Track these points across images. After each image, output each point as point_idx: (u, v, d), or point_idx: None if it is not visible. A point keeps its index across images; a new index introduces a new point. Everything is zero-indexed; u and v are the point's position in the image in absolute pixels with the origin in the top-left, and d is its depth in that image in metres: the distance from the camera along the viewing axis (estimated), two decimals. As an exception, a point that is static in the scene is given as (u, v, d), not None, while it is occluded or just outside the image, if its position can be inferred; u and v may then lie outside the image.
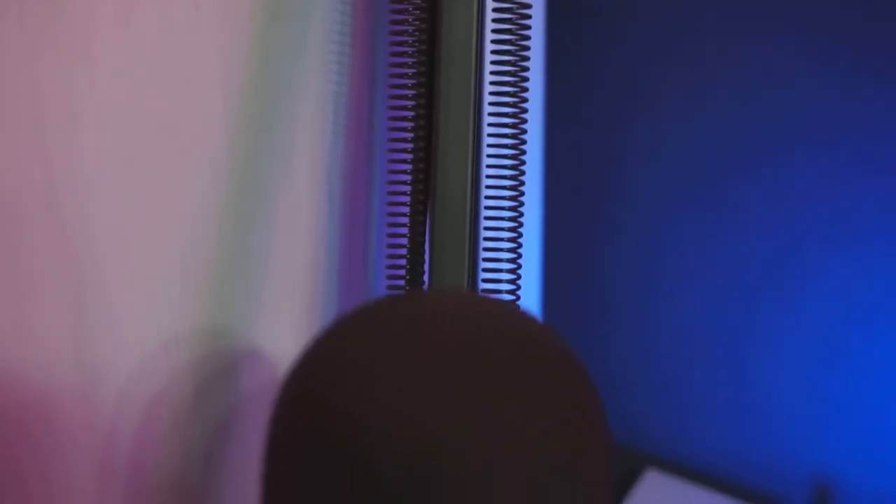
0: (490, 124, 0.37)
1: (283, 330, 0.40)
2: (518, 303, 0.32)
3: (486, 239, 0.35)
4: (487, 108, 0.38)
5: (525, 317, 0.28)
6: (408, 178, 0.37)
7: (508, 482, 0.25)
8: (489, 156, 0.38)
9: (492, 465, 0.25)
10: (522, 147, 0.37)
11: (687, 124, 0.55)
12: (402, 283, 0.35)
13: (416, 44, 0.37)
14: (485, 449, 0.25)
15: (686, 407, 0.62)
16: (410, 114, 0.38)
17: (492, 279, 0.35)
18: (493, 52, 0.37)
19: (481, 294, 0.29)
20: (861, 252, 0.53)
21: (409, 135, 0.38)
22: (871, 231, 0.52)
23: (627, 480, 0.62)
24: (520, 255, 0.36)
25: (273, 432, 0.28)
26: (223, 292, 0.38)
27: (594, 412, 0.28)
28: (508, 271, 0.36)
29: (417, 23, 0.37)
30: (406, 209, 0.35)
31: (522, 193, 0.37)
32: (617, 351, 0.62)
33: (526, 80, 0.38)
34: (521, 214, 0.36)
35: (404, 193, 0.37)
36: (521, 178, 0.37)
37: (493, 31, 0.37)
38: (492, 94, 0.38)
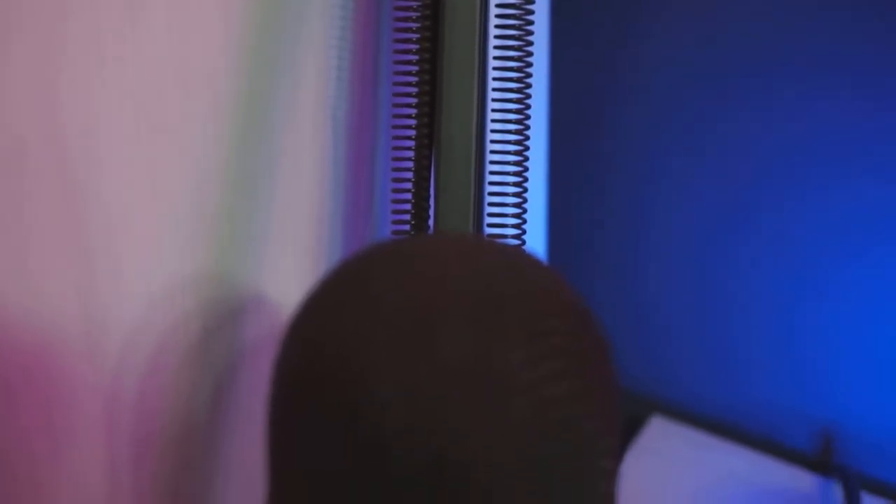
0: (495, 68, 0.37)
1: (288, 275, 0.40)
2: (524, 247, 0.32)
3: (491, 183, 0.35)
4: (492, 52, 0.38)
5: (531, 261, 0.28)
6: (413, 121, 0.37)
7: (514, 426, 0.25)
8: (494, 99, 0.38)
9: (497, 409, 0.25)
10: (527, 90, 0.37)
11: (691, 68, 0.55)
12: (407, 227, 0.35)
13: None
14: (491, 392, 0.25)
15: (691, 354, 0.62)
16: (415, 57, 0.38)
17: (497, 223, 0.35)
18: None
19: (486, 238, 0.29)
20: (867, 187, 0.53)
21: (414, 78, 0.38)
22: (875, 162, 0.52)
23: (632, 427, 0.62)
24: (525, 199, 0.36)
25: (276, 379, 0.28)
26: (227, 239, 0.38)
27: (601, 355, 0.28)
28: (514, 215, 0.36)
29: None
30: (411, 152, 0.35)
31: (527, 137, 0.37)
32: (623, 297, 0.62)
33: (531, 23, 0.37)
34: (527, 158, 0.36)
35: (409, 137, 0.37)
36: (526, 121, 0.37)
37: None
38: (497, 36, 0.37)
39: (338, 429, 0.25)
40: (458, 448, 0.25)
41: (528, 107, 0.37)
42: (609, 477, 0.28)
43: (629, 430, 0.62)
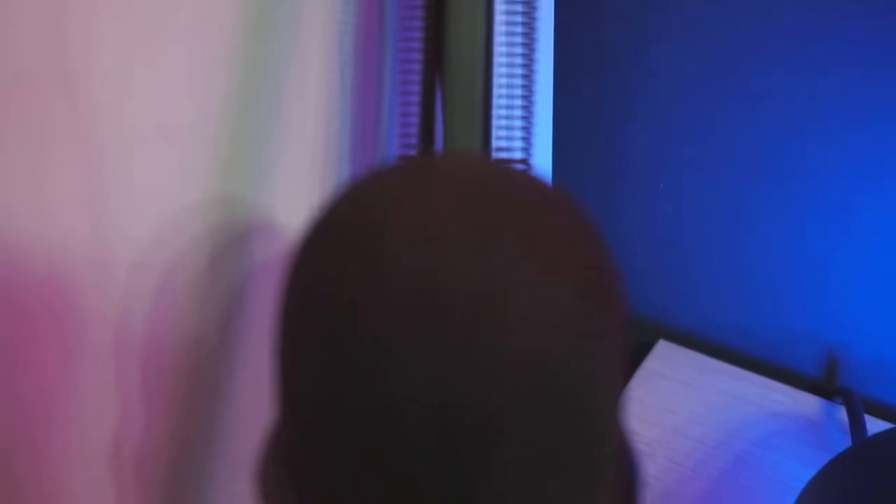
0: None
1: (296, 197, 0.40)
2: (531, 166, 0.32)
3: (498, 102, 0.35)
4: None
5: (540, 183, 0.28)
6: (420, 38, 0.37)
7: (521, 350, 0.25)
8: (501, 14, 0.37)
9: (504, 335, 0.25)
10: (535, 7, 0.37)
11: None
12: (413, 147, 0.35)
13: None
14: (497, 306, 0.25)
15: (698, 278, 0.62)
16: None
17: (504, 142, 0.35)
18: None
19: (494, 158, 0.29)
20: (875, 120, 0.53)
21: (421, -2, 0.37)
22: (883, 99, 0.52)
23: (639, 352, 0.62)
24: (532, 119, 0.36)
25: (282, 303, 0.28)
26: (235, 161, 0.38)
27: (608, 274, 0.28)
28: (521, 138, 0.36)
29: None
30: (418, 72, 0.35)
31: (535, 52, 0.37)
32: (629, 219, 0.62)
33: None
34: (534, 74, 0.35)
35: (416, 56, 0.37)
36: (534, 37, 0.36)
37: None
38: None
39: (340, 355, 0.25)
40: (464, 375, 0.25)
41: (535, 20, 0.37)
42: (618, 399, 0.28)
43: (636, 354, 0.62)
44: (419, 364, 0.25)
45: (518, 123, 0.36)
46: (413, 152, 0.36)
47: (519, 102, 0.35)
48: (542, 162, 0.57)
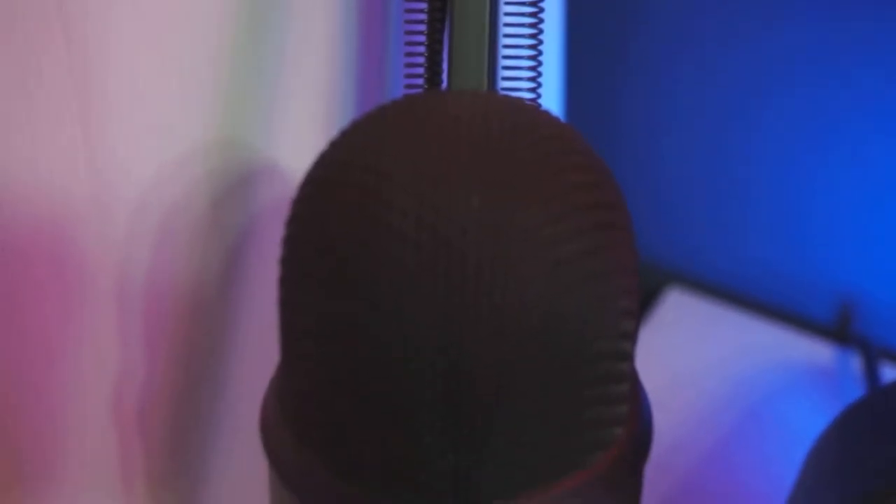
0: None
1: (300, 140, 0.40)
2: (539, 104, 0.32)
3: (506, 36, 0.34)
4: None
5: (548, 118, 0.28)
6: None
7: (531, 283, 0.25)
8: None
9: (514, 268, 0.25)
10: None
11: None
12: (420, 84, 0.35)
13: None
14: (507, 251, 0.25)
15: (708, 223, 0.61)
16: None
17: (512, 80, 0.34)
18: None
19: (501, 94, 0.28)
20: (890, 58, 0.52)
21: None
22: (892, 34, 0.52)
23: (646, 301, 0.62)
24: (540, 55, 0.35)
25: (286, 240, 0.27)
26: (237, 103, 0.38)
27: (619, 214, 0.27)
28: (529, 79, 0.35)
29: None
30: (424, 10, 0.35)
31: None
32: (638, 162, 0.61)
33: None
34: (542, 10, 0.35)
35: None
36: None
37: None
38: None
39: (342, 302, 0.25)
40: (468, 320, 0.25)
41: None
42: (628, 339, 0.27)
43: (642, 303, 0.62)
44: (422, 309, 0.25)
45: (526, 63, 0.35)
46: (419, 90, 0.36)
47: (527, 40, 0.35)
48: (552, 101, 0.56)
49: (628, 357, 0.28)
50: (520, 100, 0.28)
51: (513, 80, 0.35)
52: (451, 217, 0.25)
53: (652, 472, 0.45)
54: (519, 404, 0.25)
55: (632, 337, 0.28)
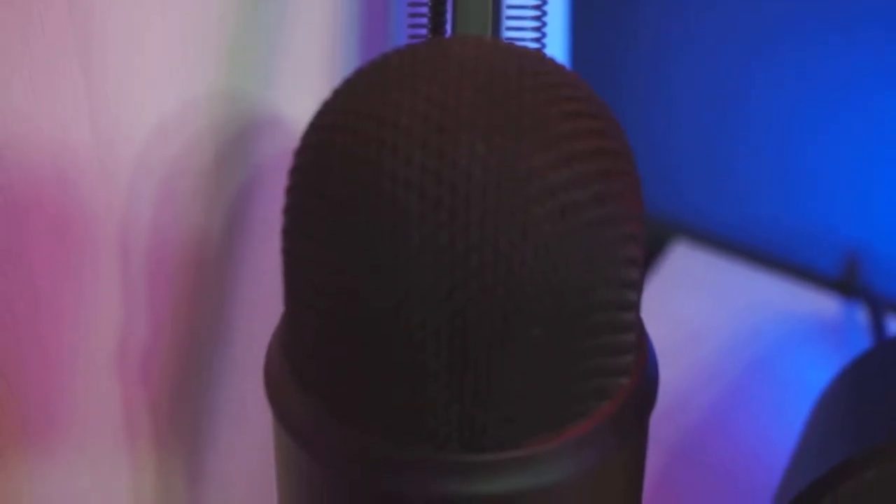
0: None
1: (303, 90, 0.40)
2: (544, 51, 0.31)
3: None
4: None
5: (553, 64, 0.28)
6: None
7: (536, 230, 0.25)
8: None
9: (518, 215, 0.25)
10: None
11: None
12: (423, 31, 0.34)
13: None
14: (511, 198, 0.25)
15: (713, 175, 0.61)
16: None
17: (516, 29, 0.34)
18: None
19: (506, 41, 0.28)
20: (891, 11, 0.52)
21: None
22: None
23: (653, 252, 0.62)
24: (545, 3, 0.35)
25: (290, 188, 0.27)
26: (239, 54, 0.37)
27: (625, 162, 0.27)
28: (534, 27, 0.35)
29: None
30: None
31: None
32: (644, 112, 0.61)
33: None
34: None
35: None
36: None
37: None
38: None
39: (348, 241, 0.25)
40: (474, 260, 0.25)
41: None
42: (633, 288, 0.27)
43: (649, 254, 0.62)
44: (426, 255, 0.25)
45: (531, 12, 0.35)
46: (422, 38, 0.36)
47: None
48: (557, 49, 0.56)
49: (633, 307, 0.28)
50: (524, 47, 0.28)
51: (517, 30, 0.35)
52: (456, 163, 0.25)
53: (658, 424, 0.45)
54: (523, 351, 0.25)
55: (637, 286, 0.28)
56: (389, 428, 0.26)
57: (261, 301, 0.40)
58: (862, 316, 0.58)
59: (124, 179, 0.36)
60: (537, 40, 0.35)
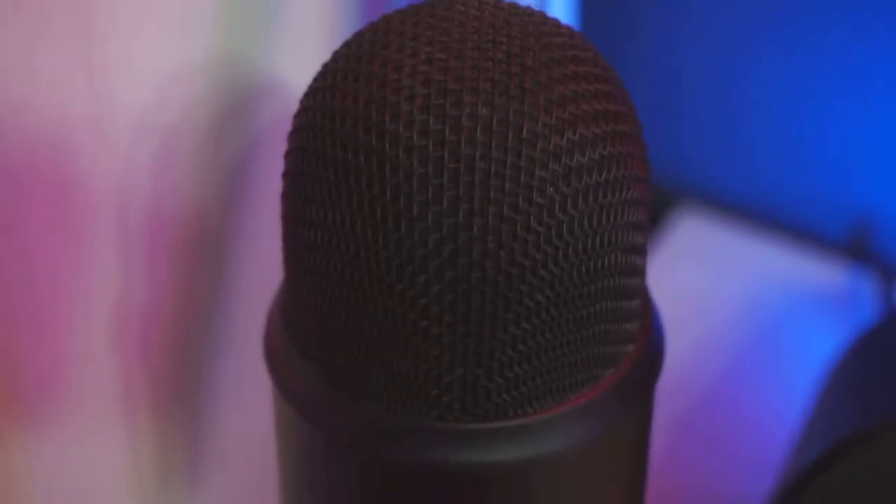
0: None
1: (303, 53, 0.39)
2: (547, 12, 0.31)
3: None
4: None
5: (557, 25, 0.27)
6: None
7: (539, 193, 0.25)
8: None
9: (522, 178, 0.25)
10: None
11: None
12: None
13: None
14: (515, 161, 0.25)
15: (722, 139, 0.61)
16: None
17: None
18: None
19: (508, 2, 0.28)
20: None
21: None
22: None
23: (659, 218, 0.62)
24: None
25: (290, 151, 0.27)
26: (239, 16, 0.37)
27: (630, 125, 0.27)
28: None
29: None
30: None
31: None
32: (651, 74, 0.61)
33: None
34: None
35: None
36: None
37: None
38: None
39: (350, 201, 0.25)
40: (479, 220, 0.24)
41: None
42: (639, 253, 0.27)
43: (655, 220, 0.61)
44: (428, 220, 0.24)
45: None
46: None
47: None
48: (562, 10, 0.56)
49: (639, 272, 0.28)
50: (527, 7, 0.27)
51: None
52: (458, 125, 0.24)
53: (664, 392, 0.45)
54: (527, 316, 0.25)
55: (642, 251, 0.28)
56: (391, 396, 0.26)
57: (261, 269, 0.40)
58: (871, 283, 0.58)
59: (122, 146, 0.35)
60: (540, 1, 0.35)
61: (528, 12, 0.27)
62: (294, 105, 0.28)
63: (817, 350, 0.52)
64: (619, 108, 0.26)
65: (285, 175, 0.27)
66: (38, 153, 0.34)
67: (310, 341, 0.28)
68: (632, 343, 0.28)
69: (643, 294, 0.29)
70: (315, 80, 0.28)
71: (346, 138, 0.25)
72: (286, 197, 0.27)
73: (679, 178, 0.62)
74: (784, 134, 0.59)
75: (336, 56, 0.27)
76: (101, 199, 0.36)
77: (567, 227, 0.25)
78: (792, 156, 0.59)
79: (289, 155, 0.27)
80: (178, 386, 0.40)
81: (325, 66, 0.28)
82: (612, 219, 0.26)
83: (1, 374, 0.36)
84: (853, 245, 0.59)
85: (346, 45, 0.27)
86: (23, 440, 0.37)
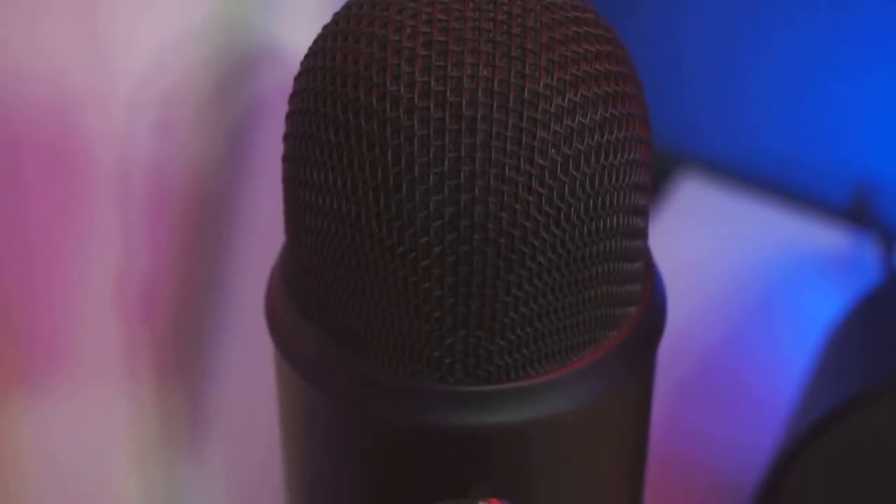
0: None
1: (305, 19, 0.39)
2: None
3: None
4: None
5: None
6: None
7: (541, 154, 0.24)
8: None
9: (523, 138, 0.24)
10: None
11: None
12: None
13: None
14: (516, 121, 0.24)
15: (724, 103, 0.61)
16: None
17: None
18: None
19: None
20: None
21: None
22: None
23: (661, 183, 0.62)
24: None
25: (291, 113, 0.27)
26: None
27: (632, 87, 0.27)
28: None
29: None
30: None
31: None
32: (653, 37, 0.60)
33: None
34: None
35: None
36: None
37: None
38: None
39: (351, 163, 0.25)
40: (480, 180, 0.24)
41: None
42: (641, 215, 0.27)
43: (657, 185, 0.61)
44: (429, 181, 0.24)
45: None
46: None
47: None
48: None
49: (641, 234, 0.28)
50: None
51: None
52: (459, 87, 0.24)
53: (666, 357, 0.45)
54: (529, 278, 0.25)
55: (644, 213, 0.28)
56: (393, 357, 0.26)
57: (262, 233, 0.40)
58: (873, 248, 0.58)
59: (123, 112, 0.35)
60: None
61: None
62: (295, 69, 0.28)
63: (819, 314, 0.52)
64: (621, 68, 0.26)
65: (286, 137, 0.27)
66: (39, 121, 0.34)
67: (311, 303, 0.27)
68: (634, 305, 0.28)
69: (645, 256, 0.29)
70: (315, 42, 0.27)
71: (346, 100, 0.25)
72: (287, 159, 0.27)
73: (681, 143, 0.62)
74: (786, 99, 0.59)
75: (337, 18, 0.27)
76: (101, 164, 0.36)
77: (569, 189, 0.25)
78: (794, 121, 0.59)
79: (289, 117, 0.27)
80: (180, 351, 0.40)
81: (326, 28, 0.27)
82: (614, 180, 0.25)
83: (4, 339, 0.36)
84: (854, 209, 0.59)
85: (347, 7, 0.27)
86: (25, 405, 0.37)
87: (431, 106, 0.24)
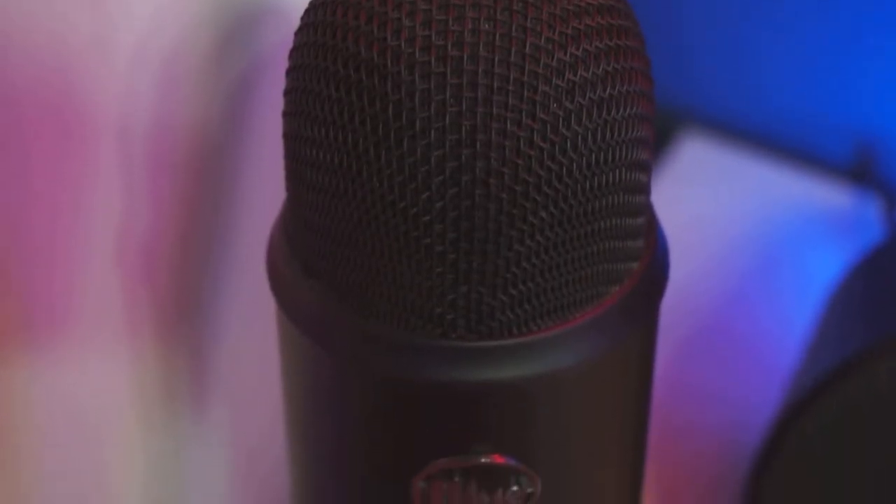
0: None
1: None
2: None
3: None
4: None
5: None
6: None
7: (543, 108, 0.24)
8: None
9: (525, 93, 0.24)
10: None
11: None
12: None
13: None
14: (518, 75, 0.24)
15: (727, 61, 0.61)
16: None
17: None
18: None
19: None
20: None
21: None
22: None
23: (663, 142, 0.61)
24: None
25: (291, 69, 0.27)
26: None
27: (635, 42, 0.26)
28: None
29: None
30: None
31: None
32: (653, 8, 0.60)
33: None
34: None
35: None
36: None
37: None
38: None
39: (353, 116, 0.25)
40: (481, 137, 0.24)
41: None
42: (643, 170, 0.27)
43: (660, 144, 0.61)
44: (430, 137, 0.24)
45: None
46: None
47: None
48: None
49: (643, 189, 0.28)
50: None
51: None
52: (460, 41, 0.24)
53: (668, 315, 0.45)
54: (531, 234, 0.25)
55: (647, 168, 0.27)
56: (395, 313, 0.26)
57: (263, 189, 0.40)
58: (875, 207, 0.57)
59: (124, 66, 0.35)
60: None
61: None
62: (296, 24, 0.28)
63: (821, 273, 0.52)
64: (623, 22, 0.26)
65: (287, 93, 0.27)
66: (40, 76, 0.34)
67: (312, 259, 0.27)
68: (636, 260, 0.28)
69: (648, 212, 0.29)
70: (314, 2, 0.27)
71: (347, 54, 0.25)
72: (287, 115, 0.27)
73: (684, 102, 0.62)
74: (789, 58, 0.59)
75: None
76: (103, 121, 0.35)
77: (571, 143, 0.25)
78: (797, 80, 0.59)
79: (290, 72, 0.27)
80: (181, 308, 0.40)
81: None
82: (616, 134, 0.25)
83: (4, 298, 0.35)
84: (857, 168, 0.59)
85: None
86: (28, 366, 0.37)
87: (432, 60, 0.24)
